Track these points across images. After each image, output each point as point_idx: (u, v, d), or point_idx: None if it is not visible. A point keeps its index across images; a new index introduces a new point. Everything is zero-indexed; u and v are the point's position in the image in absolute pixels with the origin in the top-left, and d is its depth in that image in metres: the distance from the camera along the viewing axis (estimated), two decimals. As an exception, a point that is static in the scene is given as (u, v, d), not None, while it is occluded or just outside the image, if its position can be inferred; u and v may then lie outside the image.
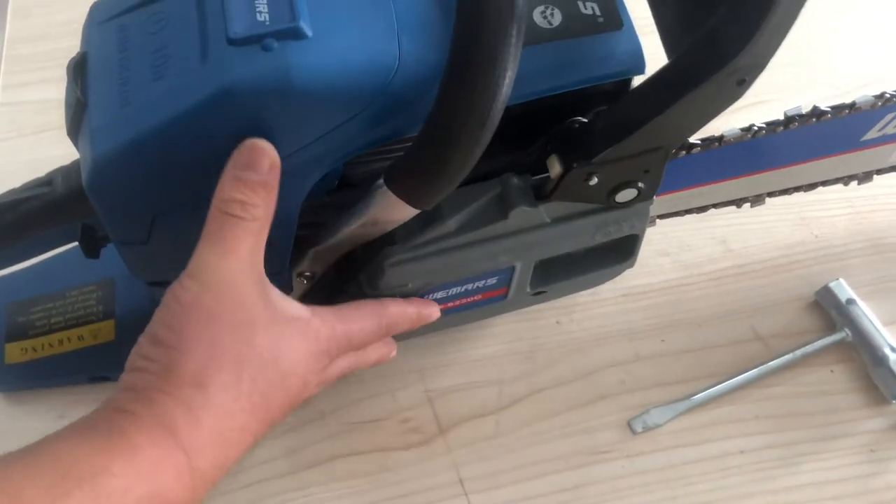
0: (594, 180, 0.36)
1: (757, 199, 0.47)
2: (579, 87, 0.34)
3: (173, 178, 0.32)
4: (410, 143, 0.32)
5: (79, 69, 0.34)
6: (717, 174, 0.44)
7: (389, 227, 0.35)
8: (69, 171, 0.39)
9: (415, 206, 0.32)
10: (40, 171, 0.55)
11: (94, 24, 0.35)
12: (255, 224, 0.31)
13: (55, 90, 0.59)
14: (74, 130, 0.34)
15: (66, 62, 0.61)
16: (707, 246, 0.51)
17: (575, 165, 0.35)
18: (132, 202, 0.33)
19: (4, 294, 0.49)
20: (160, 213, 0.33)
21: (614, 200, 0.38)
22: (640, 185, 0.37)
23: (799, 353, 0.46)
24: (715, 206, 0.47)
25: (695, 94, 0.31)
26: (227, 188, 0.31)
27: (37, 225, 0.39)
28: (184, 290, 0.31)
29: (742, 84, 0.31)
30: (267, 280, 0.33)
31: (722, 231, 0.51)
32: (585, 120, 0.36)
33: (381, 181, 0.32)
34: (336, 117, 0.31)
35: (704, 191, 0.45)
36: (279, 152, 0.31)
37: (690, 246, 0.51)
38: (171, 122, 0.30)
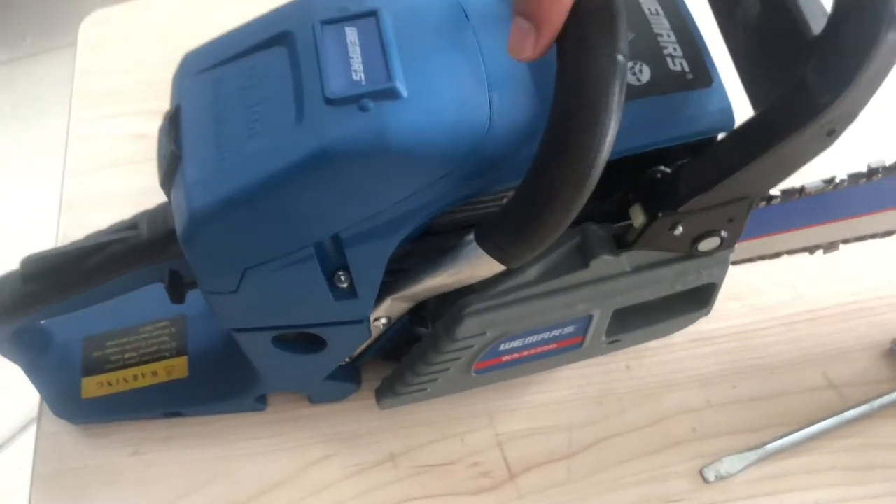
0: (678, 230, 0.35)
1: (831, 246, 0.46)
2: (668, 145, 0.34)
3: (266, 233, 0.33)
4: (503, 201, 0.32)
5: (173, 122, 0.35)
6: (793, 223, 0.43)
7: (474, 281, 0.35)
8: (154, 215, 0.40)
9: (505, 265, 0.32)
10: (111, 205, 0.57)
11: (187, 76, 0.36)
12: None
13: (125, 124, 0.61)
14: (168, 181, 0.35)
15: (134, 96, 0.63)
16: (778, 290, 0.50)
17: (660, 215, 0.35)
18: (225, 255, 0.33)
19: (80, 328, 0.50)
20: (251, 265, 0.34)
21: (696, 249, 0.37)
22: (723, 233, 0.37)
23: (876, 403, 0.45)
24: (788, 252, 0.46)
25: (784, 145, 0.31)
26: None
27: (121, 268, 0.40)
28: None
29: (832, 134, 0.31)
30: None
31: (793, 275, 0.50)
32: (669, 170, 0.36)
33: (471, 237, 0.33)
34: (429, 175, 0.32)
35: (779, 238, 0.45)
36: (371, 209, 0.32)
37: (761, 290, 0.50)
38: (268, 180, 0.31)
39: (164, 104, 0.64)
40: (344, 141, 0.30)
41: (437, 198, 0.33)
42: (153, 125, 0.62)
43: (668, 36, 0.35)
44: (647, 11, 0.36)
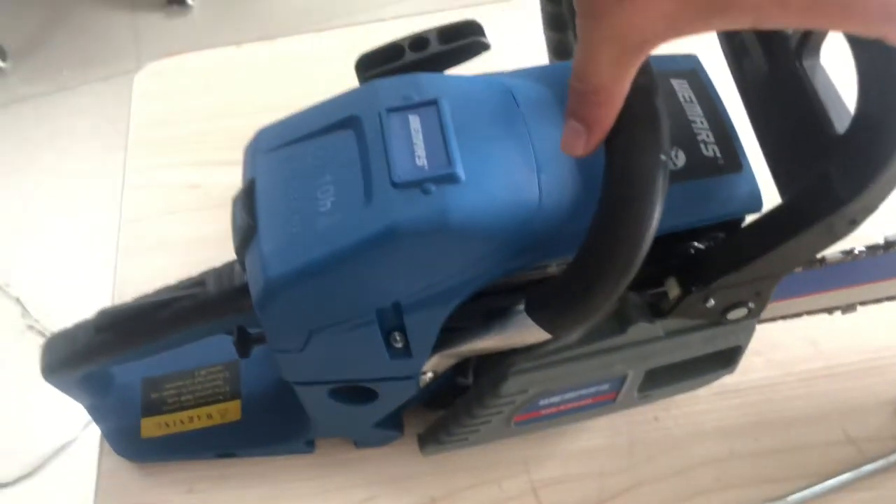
0: (710, 302, 0.38)
1: (849, 308, 0.49)
2: (701, 225, 0.37)
3: (333, 301, 0.36)
4: (547, 269, 0.35)
5: (248, 195, 0.38)
6: (814, 288, 0.46)
7: (520, 346, 0.38)
8: (220, 274, 0.43)
9: (553, 335, 0.35)
10: (166, 253, 0.61)
11: (261, 151, 0.39)
12: None
13: (178, 174, 0.65)
14: (243, 249, 0.38)
15: (186, 147, 0.66)
16: (799, 346, 0.53)
17: (693, 290, 0.38)
18: (295, 319, 0.37)
19: (139, 370, 0.53)
20: (317, 328, 0.37)
21: (725, 318, 0.40)
22: (750, 304, 0.40)
23: (892, 458, 0.48)
24: (808, 313, 0.49)
25: (808, 233, 0.34)
26: None
27: (188, 323, 0.43)
28: None
29: (854, 223, 0.34)
30: None
31: (813, 332, 0.53)
32: (702, 246, 0.39)
33: (521, 307, 0.36)
34: (484, 251, 0.35)
35: (800, 301, 0.47)
36: (430, 281, 0.35)
37: (782, 346, 0.53)
38: (339, 254, 0.34)
39: (214, 154, 0.68)
40: (409, 222, 0.33)
41: (490, 270, 0.36)
42: (205, 175, 0.66)
43: (702, 123, 0.38)
44: (682, 99, 0.39)
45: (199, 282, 0.44)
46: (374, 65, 0.44)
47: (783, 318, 0.49)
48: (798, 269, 0.44)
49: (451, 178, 0.34)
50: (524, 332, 0.36)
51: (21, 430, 1.21)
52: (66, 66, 1.69)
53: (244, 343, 0.42)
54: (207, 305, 0.42)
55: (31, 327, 1.26)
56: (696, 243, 0.39)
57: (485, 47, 0.44)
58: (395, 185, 0.34)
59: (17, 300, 1.31)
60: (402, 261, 0.34)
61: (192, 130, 0.67)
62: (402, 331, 0.38)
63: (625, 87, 0.30)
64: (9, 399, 1.24)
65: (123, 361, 0.46)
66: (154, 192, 0.64)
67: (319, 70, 0.70)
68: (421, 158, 0.35)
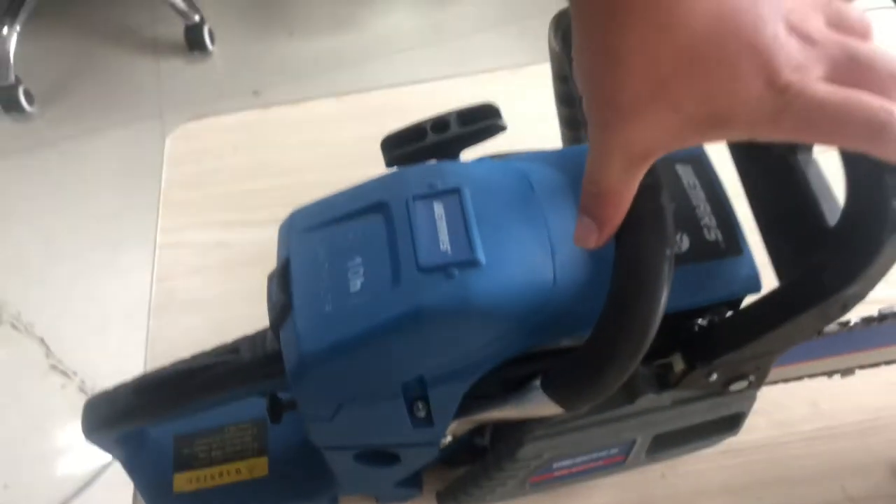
0: (713, 377, 0.41)
1: (847, 371, 0.52)
2: (704, 305, 0.40)
3: (362, 376, 0.39)
4: (567, 352, 0.38)
5: (283, 273, 0.41)
6: (813, 355, 0.49)
7: (535, 417, 0.41)
8: (254, 340, 0.46)
9: (566, 410, 0.38)
10: (200, 310, 0.64)
11: (296, 231, 0.42)
12: None
13: (208, 234, 0.68)
14: (278, 325, 0.41)
15: (214, 207, 0.69)
16: (799, 406, 0.55)
17: (697, 366, 0.40)
18: (326, 392, 0.39)
19: (172, 426, 0.56)
20: (346, 399, 0.40)
21: (728, 389, 0.43)
22: (751, 378, 0.42)
23: (890, 518, 0.50)
24: (809, 376, 0.52)
25: (803, 317, 0.36)
26: None
27: (223, 388, 0.46)
28: None
29: (845, 307, 0.36)
30: None
31: (814, 393, 0.55)
32: (705, 323, 0.42)
33: (537, 383, 0.38)
34: (502, 331, 0.38)
35: (800, 366, 0.50)
36: (453, 358, 0.38)
37: (784, 406, 0.55)
38: (369, 332, 0.37)
39: (241, 215, 0.71)
40: (434, 305, 0.36)
41: (508, 347, 0.39)
42: (232, 234, 0.69)
43: (704, 208, 0.41)
44: (686, 185, 0.42)
45: (233, 349, 0.47)
46: (399, 145, 0.48)
47: (784, 381, 0.52)
48: (797, 340, 0.46)
49: (473, 263, 0.37)
50: (540, 406, 0.39)
51: (43, 469, 1.24)
52: (91, 110, 1.74)
53: (276, 409, 0.45)
54: (241, 372, 0.45)
55: (53, 367, 1.29)
56: (700, 320, 0.42)
57: (501, 129, 0.47)
58: (420, 269, 0.37)
59: (41, 340, 1.35)
60: (427, 340, 0.37)
61: (220, 192, 0.70)
62: (426, 400, 0.40)
63: (632, 189, 0.33)
64: (32, 438, 1.27)
65: (160, 422, 0.49)
66: (184, 251, 0.67)
67: (342, 133, 0.74)
68: (445, 244, 0.38)
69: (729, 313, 0.41)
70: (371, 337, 0.37)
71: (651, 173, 0.34)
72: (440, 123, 0.47)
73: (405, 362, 0.38)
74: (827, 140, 0.31)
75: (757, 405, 0.56)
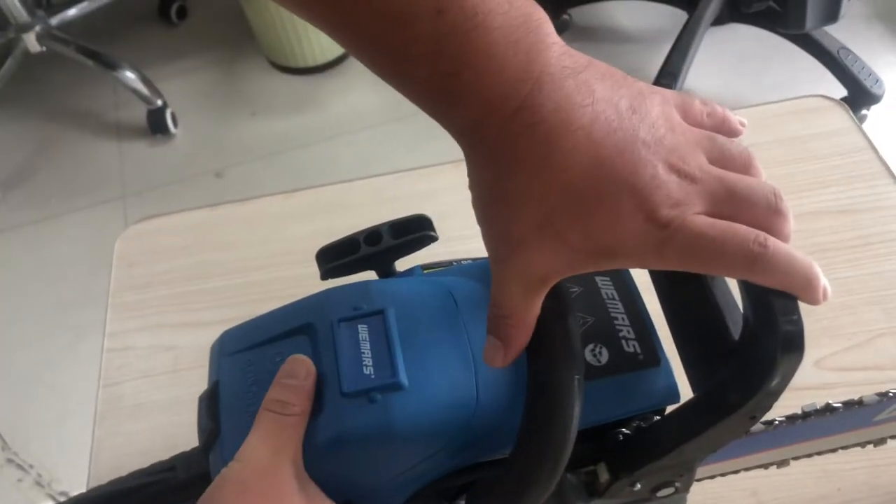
0: (637, 486, 0.42)
1: (783, 463, 0.53)
2: (624, 417, 0.41)
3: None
4: (489, 471, 0.38)
5: (212, 398, 0.42)
6: (744, 451, 0.50)
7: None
8: (189, 458, 0.46)
9: (492, 529, 0.38)
10: (146, 415, 0.63)
11: (224, 355, 0.43)
12: (292, 419, 0.37)
13: (157, 337, 0.69)
14: (206, 451, 0.41)
15: (162, 309, 0.70)
16: (739, 499, 0.56)
17: (620, 476, 0.41)
18: (256, 517, 0.40)
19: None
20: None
21: (655, 496, 0.44)
22: (677, 484, 0.43)
23: None
24: (745, 469, 0.53)
25: (714, 429, 0.37)
26: (273, 392, 0.38)
27: (160, 506, 0.46)
28: (228, 469, 0.37)
29: (754, 419, 0.37)
30: (305, 473, 0.38)
31: (753, 483, 0.56)
32: (629, 432, 0.43)
33: (464, 500, 0.39)
34: (427, 452, 0.38)
35: (734, 461, 0.51)
36: (378, 481, 0.38)
37: (724, 498, 0.56)
38: (294, 460, 0.38)
39: (188, 316, 0.71)
40: (356, 429, 0.37)
41: (431, 469, 0.39)
42: (180, 338, 0.69)
43: (623, 320, 0.43)
44: (604, 296, 0.43)
45: (169, 467, 0.47)
46: (333, 258, 0.49)
47: (722, 475, 0.53)
48: (725, 440, 0.47)
49: (395, 387, 0.38)
50: (467, 524, 0.39)
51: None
52: (54, 195, 1.75)
53: (210, 530, 0.45)
54: (177, 490, 0.45)
55: (9, 461, 1.26)
56: (624, 430, 0.43)
57: (432, 239, 0.49)
58: (343, 394, 0.38)
59: (-2, 433, 1.32)
60: (351, 465, 0.38)
61: (168, 293, 0.71)
62: (358, 522, 0.41)
63: (533, 311, 0.35)
64: (-15, 534, 1.23)
65: (99, 543, 0.48)
66: (130, 355, 0.67)
67: (291, 230, 0.75)
68: (368, 367, 0.39)
69: (647, 424, 0.42)
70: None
71: (556, 295, 0.35)
72: (373, 235, 0.49)
73: (331, 486, 0.38)
74: (711, 269, 0.32)
75: (698, 498, 0.56)
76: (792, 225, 0.33)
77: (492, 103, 0.30)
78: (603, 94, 0.31)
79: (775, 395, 0.35)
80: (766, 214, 0.32)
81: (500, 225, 0.32)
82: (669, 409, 0.41)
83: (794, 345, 0.33)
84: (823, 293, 0.33)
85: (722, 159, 0.33)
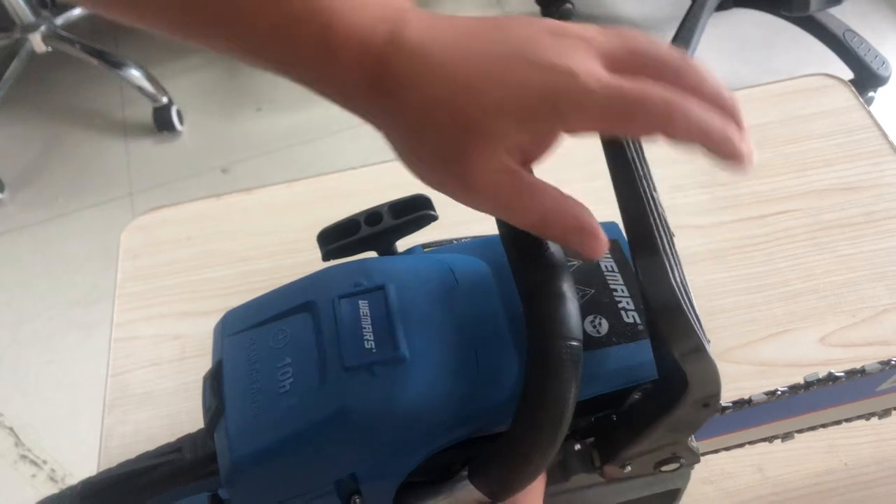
0: (628, 468, 0.42)
1: (787, 436, 0.53)
2: (623, 389, 0.41)
3: (295, 476, 0.39)
4: (490, 444, 0.39)
5: (216, 377, 0.42)
6: (748, 423, 0.50)
7: (469, 504, 0.41)
8: (195, 440, 0.46)
9: (494, 501, 0.39)
10: (153, 403, 0.64)
11: (227, 334, 0.43)
12: None
13: (163, 326, 0.69)
14: (212, 429, 0.41)
15: (169, 299, 0.70)
16: (746, 474, 0.56)
17: (608, 462, 0.41)
18: (261, 493, 0.40)
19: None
20: (281, 499, 0.40)
21: (660, 470, 0.44)
22: (682, 460, 0.43)
23: (837, 584, 0.50)
24: (749, 443, 0.53)
25: (672, 415, 0.37)
26: None
27: (167, 487, 0.46)
28: None
29: (708, 406, 0.37)
30: None
31: (759, 459, 0.56)
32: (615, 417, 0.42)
33: (465, 474, 0.39)
34: (428, 426, 0.39)
35: (739, 434, 0.51)
36: (381, 454, 0.39)
37: (731, 474, 0.56)
38: (297, 434, 0.38)
39: (195, 305, 0.72)
40: (359, 403, 0.37)
41: (437, 439, 0.39)
42: (186, 326, 0.70)
43: (622, 291, 0.43)
44: (604, 269, 0.44)
45: (175, 448, 0.47)
46: (333, 239, 0.49)
47: (727, 449, 0.53)
48: (729, 411, 0.47)
49: (397, 360, 0.38)
50: (469, 498, 0.39)
51: (13, 562, 1.22)
52: (62, 194, 1.76)
53: (217, 509, 0.45)
54: (184, 471, 0.46)
55: (23, 457, 1.27)
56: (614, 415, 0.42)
57: (432, 219, 0.49)
58: (346, 368, 0.38)
59: (11, 430, 1.33)
60: (355, 438, 0.38)
61: (174, 283, 0.71)
62: (360, 494, 0.41)
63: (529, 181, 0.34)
64: (1, 530, 1.24)
65: (107, 525, 0.49)
66: (138, 344, 0.67)
67: (294, 219, 0.75)
68: (370, 342, 0.39)
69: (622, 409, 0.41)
70: (300, 439, 0.38)
71: (553, 266, 0.36)
72: (373, 216, 0.49)
73: (335, 460, 0.39)
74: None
75: (706, 475, 0.57)
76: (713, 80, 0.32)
77: (363, 43, 0.33)
78: (464, 21, 0.34)
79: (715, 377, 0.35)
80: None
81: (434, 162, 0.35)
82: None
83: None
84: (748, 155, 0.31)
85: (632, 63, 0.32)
